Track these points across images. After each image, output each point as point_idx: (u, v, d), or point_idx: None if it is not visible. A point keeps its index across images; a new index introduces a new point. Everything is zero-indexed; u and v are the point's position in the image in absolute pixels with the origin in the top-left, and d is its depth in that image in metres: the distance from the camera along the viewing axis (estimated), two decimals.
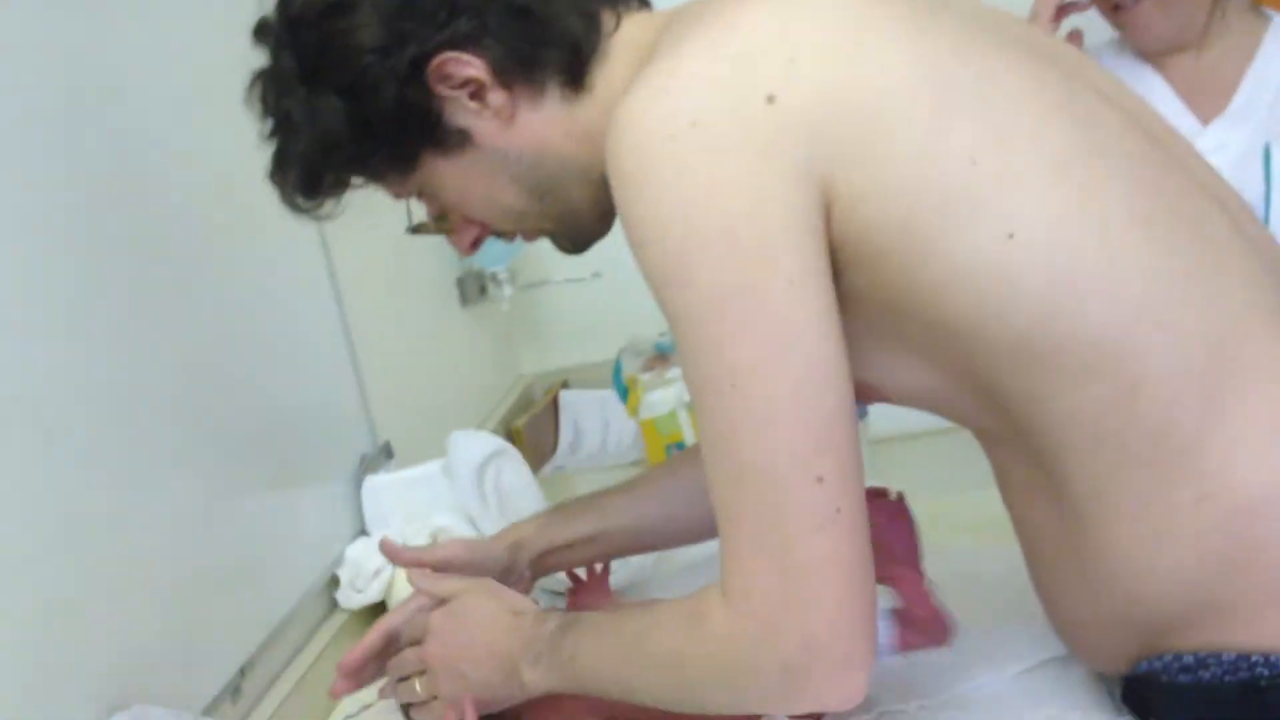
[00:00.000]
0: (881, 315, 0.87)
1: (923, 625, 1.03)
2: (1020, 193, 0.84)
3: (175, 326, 1.15)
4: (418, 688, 1.09)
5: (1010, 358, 0.85)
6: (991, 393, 0.88)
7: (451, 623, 1.09)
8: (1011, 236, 0.83)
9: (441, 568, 1.19)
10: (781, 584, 0.82)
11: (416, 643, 1.12)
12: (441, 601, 1.12)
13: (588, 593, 1.28)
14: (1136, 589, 0.86)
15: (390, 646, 1.15)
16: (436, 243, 2.02)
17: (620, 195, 0.86)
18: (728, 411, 0.83)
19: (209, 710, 1.09)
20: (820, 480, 0.82)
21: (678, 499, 1.23)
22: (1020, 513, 0.96)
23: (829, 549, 0.82)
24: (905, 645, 1.03)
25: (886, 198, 0.84)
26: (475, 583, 1.13)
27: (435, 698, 1.08)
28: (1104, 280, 0.83)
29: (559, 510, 1.29)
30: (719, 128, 0.83)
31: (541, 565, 1.26)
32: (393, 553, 1.23)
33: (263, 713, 1.16)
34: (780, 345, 0.82)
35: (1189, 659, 0.86)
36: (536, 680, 1.01)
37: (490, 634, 1.06)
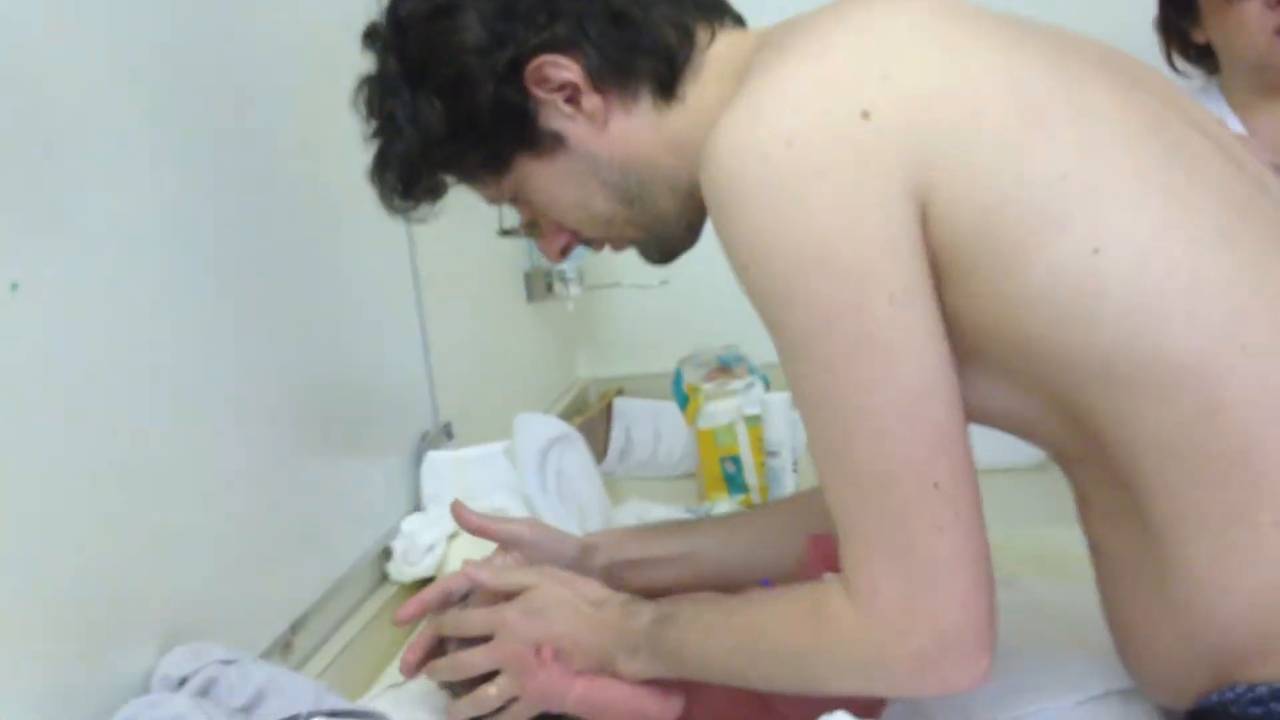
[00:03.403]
0: (966, 333, 0.87)
1: None
2: (1109, 208, 0.84)
3: (259, 293, 1.17)
4: (493, 692, 1.06)
5: (1092, 376, 0.85)
6: (1073, 412, 0.88)
7: (528, 620, 1.06)
8: (1097, 252, 0.83)
9: (507, 541, 1.18)
10: (907, 585, 0.84)
11: (472, 641, 1.08)
12: (505, 596, 1.10)
13: None
14: (1213, 613, 0.85)
15: (446, 607, 1.14)
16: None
17: (717, 217, 0.88)
18: (841, 426, 0.85)
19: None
20: (937, 485, 0.84)
21: (772, 536, 1.21)
22: (1098, 536, 0.95)
23: (950, 548, 0.84)
24: None
25: (978, 211, 0.84)
26: (541, 573, 1.11)
27: (516, 699, 1.06)
28: (1189, 300, 0.83)
29: (646, 527, 1.28)
30: (814, 146, 0.84)
31: (614, 577, 1.22)
32: (461, 516, 1.19)
33: (311, 670, 1.16)
34: (888, 361, 0.83)
35: (1263, 690, 0.84)
36: (635, 671, 1.02)
37: (574, 628, 1.05)
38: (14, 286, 0.82)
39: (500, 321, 2.02)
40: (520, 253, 2.10)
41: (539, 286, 2.13)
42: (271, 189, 1.22)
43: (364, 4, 1.41)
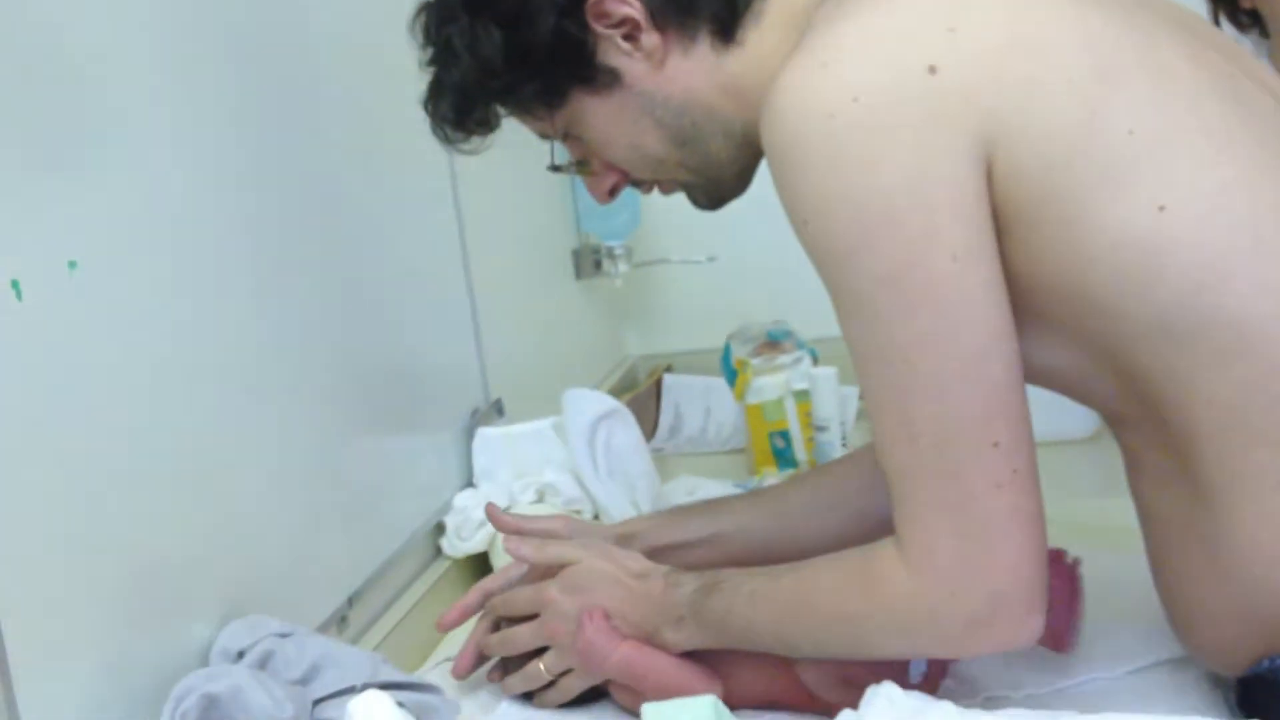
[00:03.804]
0: (1025, 289, 0.87)
1: None
2: (1176, 166, 0.83)
3: (315, 275, 1.18)
4: (542, 667, 1.07)
5: (1150, 335, 0.85)
6: (1129, 371, 0.88)
7: (570, 596, 1.06)
8: (1163, 209, 0.82)
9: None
10: (963, 543, 0.85)
11: (517, 620, 1.10)
12: (545, 572, 1.11)
13: None
14: (1264, 578, 0.85)
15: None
16: (558, 213, 2.05)
17: (778, 170, 0.87)
18: (899, 383, 0.85)
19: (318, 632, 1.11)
20: (996, 445, 0.84)
21: (798, 512, 1.20)
22: (1149, 501, 0.94)
23: (1008, 506, 0.84)
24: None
25: (1043, 167, 0.84)
26: (581, 548, 1.11)
27: (566, 672, 1.07)
28: (1251, 260, 0.83)
29: (678, 510, 1.28)
30: (880, 103, 0.83)
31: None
32: (495, 517, 1.21)
33: (366, 644, 1.17)
34: (948, 320, 0.83)
35: None
36: (680, 641, 1.02)
37: (619, 601, 1.05)
38: (72, 265, 0.84)
39: (549, 299, 2.03)
40: (568, 231, 2.11)
41: (587, 264, 2.13)
42: (327, 173, 1.23)
43: None
